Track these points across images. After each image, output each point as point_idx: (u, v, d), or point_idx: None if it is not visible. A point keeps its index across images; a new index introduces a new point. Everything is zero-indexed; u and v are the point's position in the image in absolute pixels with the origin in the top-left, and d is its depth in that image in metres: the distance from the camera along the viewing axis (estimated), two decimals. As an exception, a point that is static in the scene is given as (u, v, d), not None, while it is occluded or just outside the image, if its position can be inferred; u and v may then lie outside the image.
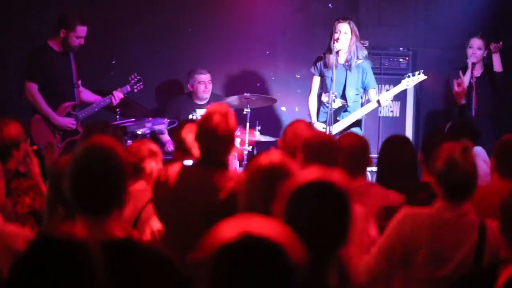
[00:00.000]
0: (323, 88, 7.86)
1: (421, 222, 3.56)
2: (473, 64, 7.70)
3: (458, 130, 5.79)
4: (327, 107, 7.64)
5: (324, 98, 7.79)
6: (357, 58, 7.67)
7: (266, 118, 8.69)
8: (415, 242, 3.54)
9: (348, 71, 7.68)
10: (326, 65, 7.77)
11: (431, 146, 4.78)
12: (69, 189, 2.76)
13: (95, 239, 2.54)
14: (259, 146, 8.10)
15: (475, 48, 7.88)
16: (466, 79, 7.70)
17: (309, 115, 7.89)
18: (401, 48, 8.33)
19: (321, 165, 3.91)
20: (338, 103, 7.70)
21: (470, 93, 7.56)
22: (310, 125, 5.09)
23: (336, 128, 7.58)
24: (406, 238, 3.55)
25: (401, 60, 8.11)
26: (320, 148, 4.07)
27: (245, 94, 7.69)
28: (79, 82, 7.81)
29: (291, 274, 1.97)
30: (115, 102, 7.83)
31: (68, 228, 2.69)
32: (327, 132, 7.19)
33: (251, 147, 7.91)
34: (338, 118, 7.68)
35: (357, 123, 7.72)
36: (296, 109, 8.96)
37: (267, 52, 9.06)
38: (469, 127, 6.05)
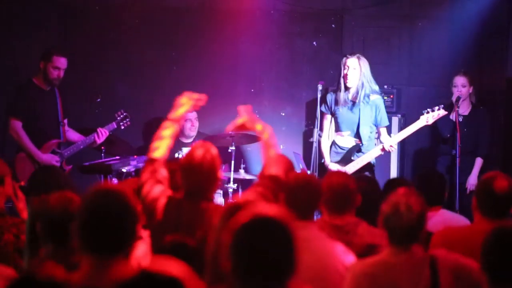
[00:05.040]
0: (335, 127, 7.69)
1: (376, 272, 3.60)
2: (458, 99, 7.65)
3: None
4: (340, 147, 7.58)
5: (337, 137, 7.64)
6: (366, 94, 7.44)
7: (251, 156, 8.69)
8: None
9: (362, 108, 7.47)
10: (337, 103, 7.60)
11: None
12: (79, 229, 2.86)
13: (102, 278, 2.68)
14: (244, 184, 8.08)
15: (460, 86, 7.82)
16: (452, 117, 7.69)
17: (323, 156, 7.65)
18: (385, 86, 8.35)
19: (300, 206, 4.03)
20: (351, 142, 7.56)
21: (455, 132, 7.53)
22: (291, 163, 5.05)
23: (350, 169, 7.35)
24: None
25: (385, 98, 8.11)
26: (297, 190, 4.13)
27: (230, 132, 7.67)
28: (65, 120, 7.76)
29: None
30: (98, 140, 7.73)
31: (49, 269, 2.68)
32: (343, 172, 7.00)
33: (236, 185, 7.90)
34: (352, 158, 7.48)
35: (369, 168, 7.48)
36: (281, 147, 8.96)
37: (252, 90, 9.07)
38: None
